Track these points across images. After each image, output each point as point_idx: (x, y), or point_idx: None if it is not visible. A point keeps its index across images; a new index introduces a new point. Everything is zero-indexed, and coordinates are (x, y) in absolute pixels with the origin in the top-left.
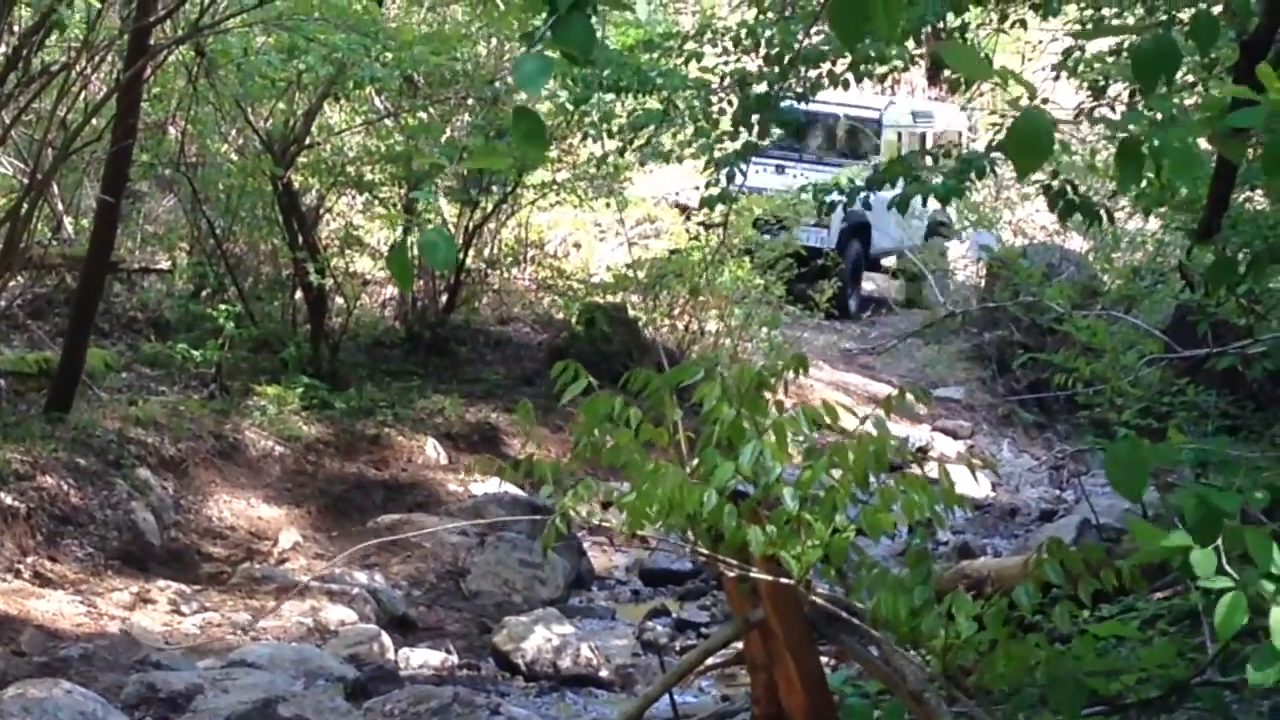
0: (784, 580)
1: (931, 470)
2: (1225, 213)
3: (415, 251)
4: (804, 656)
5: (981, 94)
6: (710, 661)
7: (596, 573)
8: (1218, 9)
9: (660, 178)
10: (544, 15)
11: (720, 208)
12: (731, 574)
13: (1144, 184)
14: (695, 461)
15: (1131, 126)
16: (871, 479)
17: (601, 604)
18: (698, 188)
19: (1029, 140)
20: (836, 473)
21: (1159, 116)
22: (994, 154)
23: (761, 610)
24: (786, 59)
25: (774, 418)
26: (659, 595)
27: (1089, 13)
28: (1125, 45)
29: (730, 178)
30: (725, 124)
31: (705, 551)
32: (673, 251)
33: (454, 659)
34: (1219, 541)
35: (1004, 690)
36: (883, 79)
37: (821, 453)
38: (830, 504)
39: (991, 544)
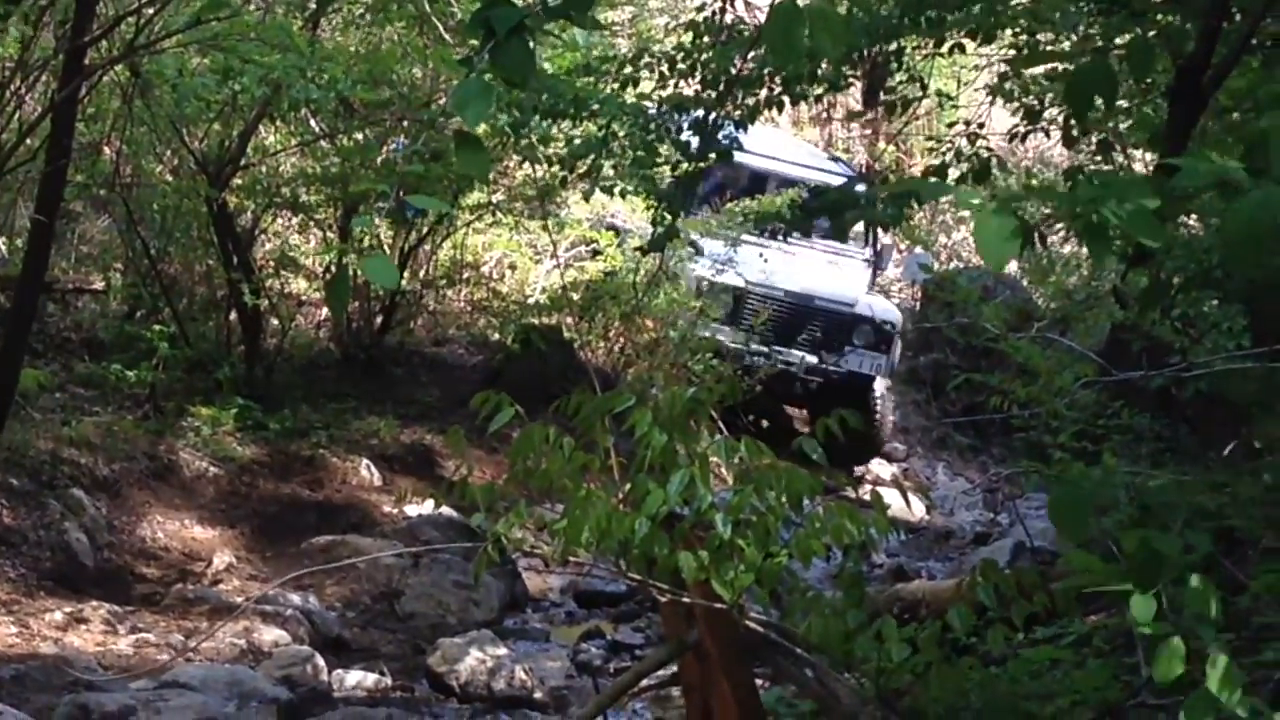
0: (717, 605)
1: (867, 493)
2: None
3: (357, 274)
4: (738, 679)
5: (917, 118)
6: (645, 684)
7: (531, 594)
8: (1153, 34)
9: (598, 198)
10: (482, 40)
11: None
12: (665, 598)
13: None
14: (628, 487)
15: (1079, 194)
16: (805, 503)
17: (536, 626)
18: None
19: (996, 238)
20: (770, 496)
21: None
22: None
23: (696, 633)
24: (723, 84)
25: (703, 446)
26: (594, 617)
27: (1024, 38)
28: (1061, 70)
29: (674, 212)
30: (664, 151)
31: (637, 577)
32: (608, 273)
33: (388, 680)
34: (1159, 587)
35: (939, 713)
36: (818, 100)
37: (753, 478)
38: (763, 529)
39: (926, 567)
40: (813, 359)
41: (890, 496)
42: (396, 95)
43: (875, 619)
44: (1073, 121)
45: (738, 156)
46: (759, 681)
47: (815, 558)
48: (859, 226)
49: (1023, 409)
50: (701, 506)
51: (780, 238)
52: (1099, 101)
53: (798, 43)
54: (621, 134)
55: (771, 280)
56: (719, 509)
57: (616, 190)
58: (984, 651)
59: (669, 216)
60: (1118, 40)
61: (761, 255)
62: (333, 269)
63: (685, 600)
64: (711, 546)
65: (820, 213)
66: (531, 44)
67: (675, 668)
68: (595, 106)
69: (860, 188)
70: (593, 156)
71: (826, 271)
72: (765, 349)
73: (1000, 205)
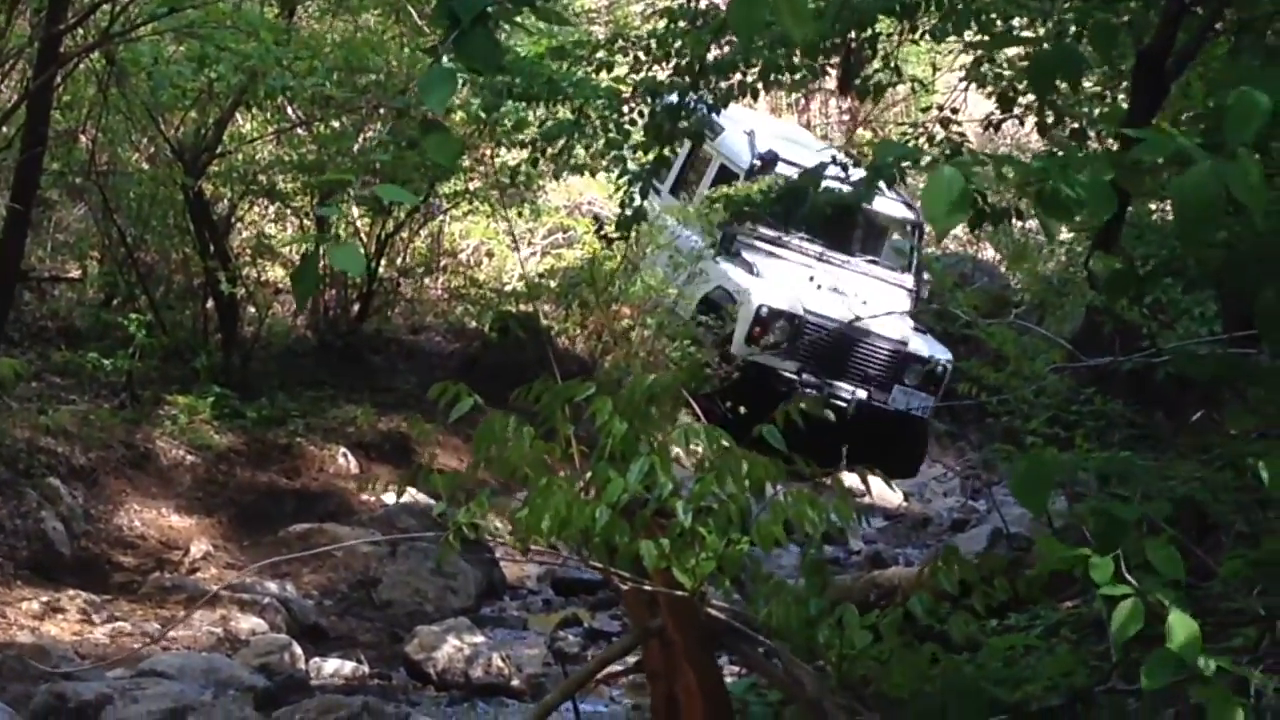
0: (679, 593)
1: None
2: (1122, 224)
3: (324, 259)
4: (703, 666)
5: (894, 104)
6: (611, 670)
7: (508, 582)
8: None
9: (574, 186)
10: (446, 29)
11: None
12: (627, 586)
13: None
14: (589, 474)
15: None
16: (769, 490)
17: (513, 613)
18: (610, 196)
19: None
20: (731, 484)
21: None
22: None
23: (660, 620)
24: (697, 68)
25: (664, 434)
26: (571, 605)
27: (999, 23)
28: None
29: (643, 194)
30: (636, 135)
31: (599, 565)
32: (587, 260)
33: (365, 668)
34: (1118, 551)
35: (902, 699)
36: (793, 88)
37: (714, 465)
38: (725, 516)
39: (904, 554)
40: (862, 394)
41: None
42: (372, 84)
43: (838, 606)
44: (1046, 110)
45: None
46: (732, 670)
47: (789, 546)
48: (901, 248)
49: (993, 395)
50: (662, 494)
51: (819, 258)
52: (1062, 84)
53: (758, 20)
54: (594, 116)
55: (827, 310)
56: (680, 496)
57: (587, 171)
58: (949, 638)
59: (637, 198)
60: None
61: (812, 279)
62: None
63: (648, 588)
64: (673, 534)
65: (794, 193)
66: (498, 32)
67: (640, 654)
68: (569, 90)
69: (832, 169)
70: (565, 139)
71: (880, 304)
72: (817, 380)
73: (954, 169)
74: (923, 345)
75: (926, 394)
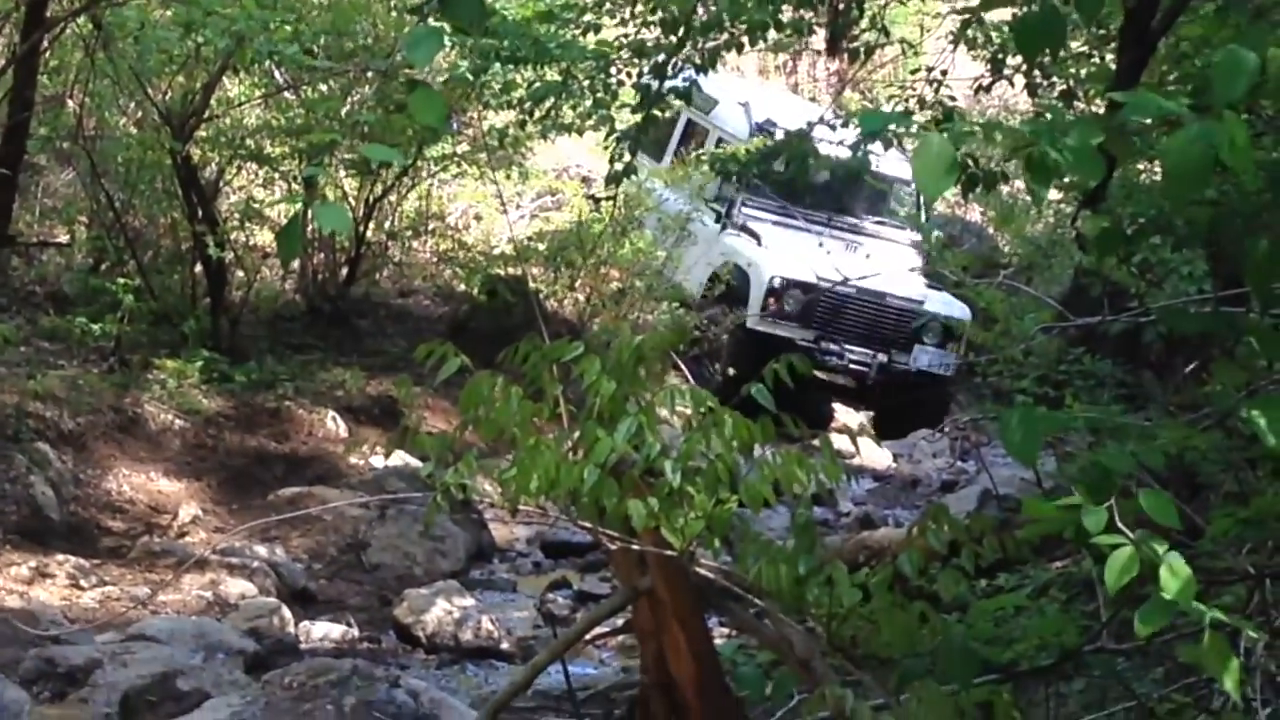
0: (668, 552)
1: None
2: (1109, 183)
3: (312, 223)
4: (692, 625)
5: (882, 65)
6: (599, 630)
7: (498, 545)
8: None
9: (562, 149)
10: None
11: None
12: (615, 546)
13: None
14: (576, 435)
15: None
16: (757, 450)
17: (502, 576)
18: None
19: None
20: (719, 444)
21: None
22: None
23: (649, 579)
24: (682, 29)
25: (652, 394)
26: (560, 567)
27: None
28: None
29: (633, 151)
30: (624, 96)
31: (587, 525)
32: (575, 223)
33: (355, 632)
34: (1111, 501)
35: (894, 658)
36: (779, 47)
37: (702, 424)
38: (714, 475)
39: (893, 515)
40: (883, 358)
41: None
42: (360, 47)
43: (827, 565)
44: (1032, 70)
45: None
46: (721, 632)
47: (777, 508)
48: (908, 206)
49: (978, 354)
50: (650, 454)
51: (828, 223)
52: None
53: None
54: (582, 78)
55: (840, 275)
56: (668, 456)
57: (575, 132)
58: (948, 598)
59: (627, 155)
60: None
61: (821, 245)
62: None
63: (636, 548)
64: (661, 494)
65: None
66: None
67: (629, 615)
68: (556, 52)
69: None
70: (552, 99)
71: (892, 264)
72: (837, 347)
73: (944, 136)
74: (939, 302)
75: (947, 351)
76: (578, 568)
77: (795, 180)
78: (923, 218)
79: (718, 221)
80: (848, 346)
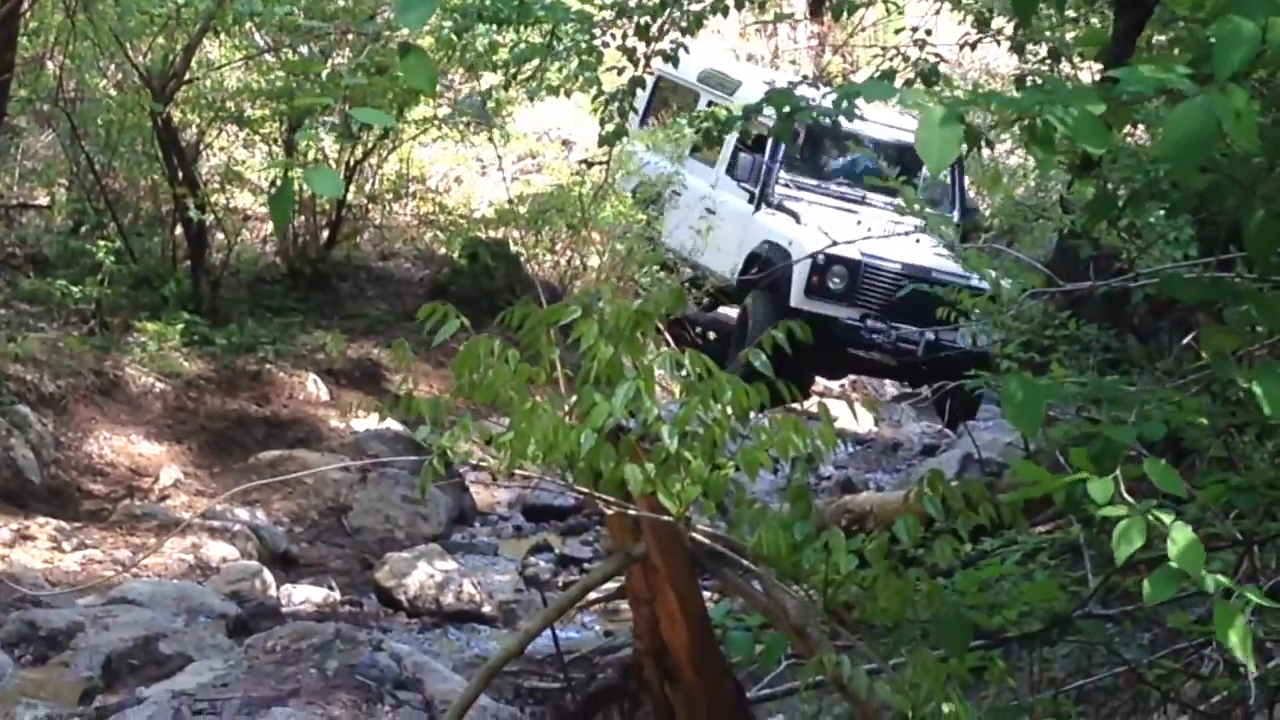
0: (663, 518)
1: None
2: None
3: (300, 187)
4: (686, 591)
5: (864, 29)
6: (593, 596)
7: (479, 508)
8: None
9: (542, 112)
10: None
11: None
12: (611, 511)
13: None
14: (574, 399)
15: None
16: (752, 415)
17: (484, 540)
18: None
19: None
20: (716, 409)
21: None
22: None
23: (643, 545)
24: None
25: (649, 359)
26: (541, 531)
27: None
28: None
29: (622, 113)
30: (610, 58)
31: (584, 490)
32: (557, 186)
33: (336, 595)
34: (1117, 473)
35: (887, 625)
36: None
37: (698, 390)
38: (709, 440)
39: (874, 479)
40: (930, 335)
41: (838, 409)
42: (340, 10)
43: (824, 531)
44: (1021, 30)
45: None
46: (708, 595)
47: (764, 472)
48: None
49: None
50: (648, 419)
51: (862, 200)
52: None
53: None
54: (566, 40)
55: (885, 253)
56: (665, 421)
57: (562, 93)
58: (932, 564)
59: (617, 117)
60: None
61: (859, 222)
62: (278, 183)
63: (632, 513)
64: (658, 459)
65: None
66: None
67: (622, 580)
68: (540, 13)
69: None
70: (537, 61)
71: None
72: (882, 325)
73: (947, 108)
74: (982, 278)
75: (990, 326)
76: (559, 531)
77: (826, 156)
78: (955, 191)
79: (750, 201)
80: (895, 325)
